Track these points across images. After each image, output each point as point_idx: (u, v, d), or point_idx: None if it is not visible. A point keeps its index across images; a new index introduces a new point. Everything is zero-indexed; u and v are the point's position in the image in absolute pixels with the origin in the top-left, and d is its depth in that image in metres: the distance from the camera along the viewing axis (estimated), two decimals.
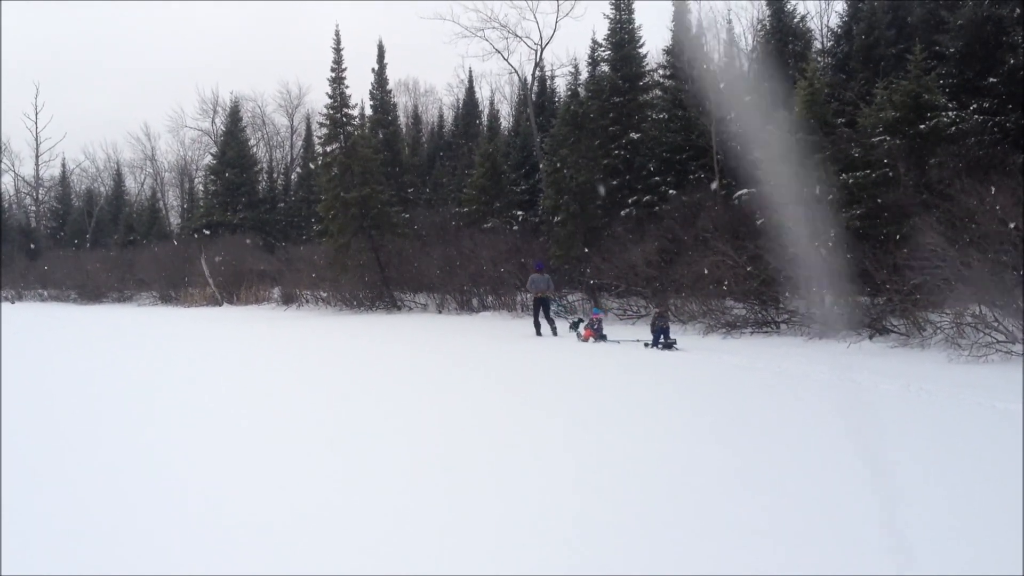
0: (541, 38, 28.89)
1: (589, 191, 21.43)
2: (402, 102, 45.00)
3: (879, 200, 13.49)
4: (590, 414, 6.67)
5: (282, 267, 29.11)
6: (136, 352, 13.75)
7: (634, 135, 21.95)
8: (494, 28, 31.26)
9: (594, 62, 25.18)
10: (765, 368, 8.91)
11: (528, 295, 15.62)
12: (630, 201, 21.47)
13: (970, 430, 5.72)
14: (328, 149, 24.39)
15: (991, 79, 14.74)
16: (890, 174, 13.48)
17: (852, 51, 19.75)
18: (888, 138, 13.73)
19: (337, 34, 23.78)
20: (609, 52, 23.65)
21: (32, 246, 48.92)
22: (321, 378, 9.86)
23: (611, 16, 23.25)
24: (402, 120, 40.17)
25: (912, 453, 5.04)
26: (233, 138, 42.03)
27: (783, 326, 12.35)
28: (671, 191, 20.44)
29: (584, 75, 25.86)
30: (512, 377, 9.44)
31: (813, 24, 25.88)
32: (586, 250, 18.89)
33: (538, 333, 14.22)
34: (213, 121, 48.55)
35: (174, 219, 52.11)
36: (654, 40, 42.86)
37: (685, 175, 20.86)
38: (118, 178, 55.39)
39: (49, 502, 4.46)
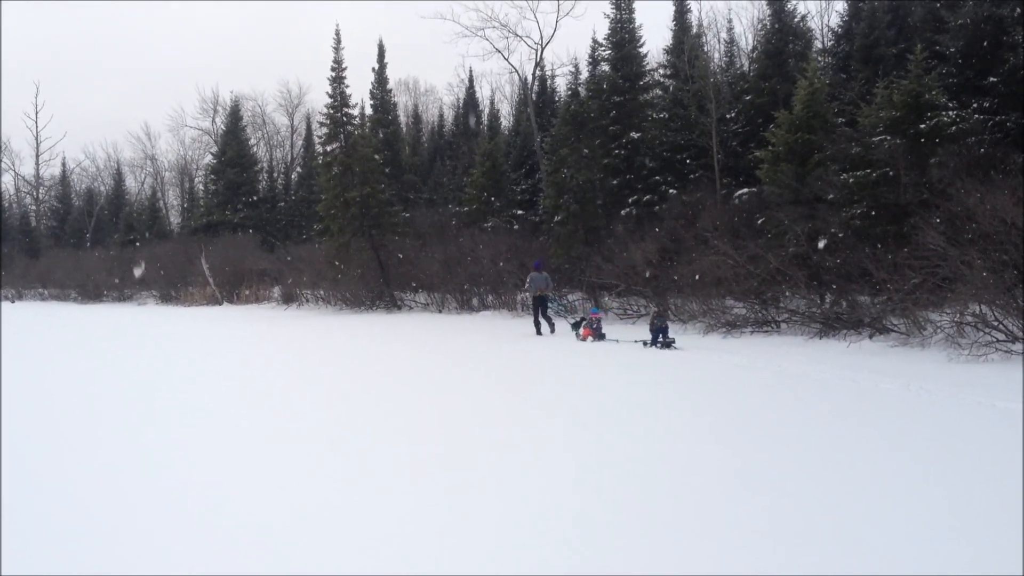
0: (541, 37, 29.01)
1: (589, 191, 21.44)
2: (402, 102, 45.10)
3: (879, 200, 13.49)
4: (590, 414, 6.67)
5: (282, 266, 29.11)
6: (136, 352, 13.76)
7: (634, 134, 21.95)
8: (494, 27, 31.46)
9: (594, 61, 25.17)
10: (765, 367, 8.91)
11: (528, 294, 15.62)
12: (630, 200, 21.48)
13: (970, 429, 5.72)
14: (328, 149, 24.43)
15: (991, 79, 14.75)
16: (890, 174, 13.48)
17: (852, 51, 19.75)
18: (888, 138, 13.72)
19: (337, 34, 23.86)
20: (609, 51, 23.63)
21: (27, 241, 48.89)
22: (321, 378, 9.86)
23: (611, 16, 23.24)
24: (402, 120, 40.18)
25: (912, 453, 5.05)
26: (233, 137, 42.04)
27: (783, 325, 12.35)
28: (671, 190, 20.46)
29: (584, 74, 25.91)
30: (512, 377, 9.43)
31: (813, 24, 25.93)
32: (586, 249, 18.89)
33: (538, 332, 14.23)
34: (213, 120, 48.69)
35: (174, 218, 52.19)
36: (654, 40, 42.88)
37: (685, 175, 20.90)
38: (118, 177, 55.46)
39: (49, 502, 4.47)
